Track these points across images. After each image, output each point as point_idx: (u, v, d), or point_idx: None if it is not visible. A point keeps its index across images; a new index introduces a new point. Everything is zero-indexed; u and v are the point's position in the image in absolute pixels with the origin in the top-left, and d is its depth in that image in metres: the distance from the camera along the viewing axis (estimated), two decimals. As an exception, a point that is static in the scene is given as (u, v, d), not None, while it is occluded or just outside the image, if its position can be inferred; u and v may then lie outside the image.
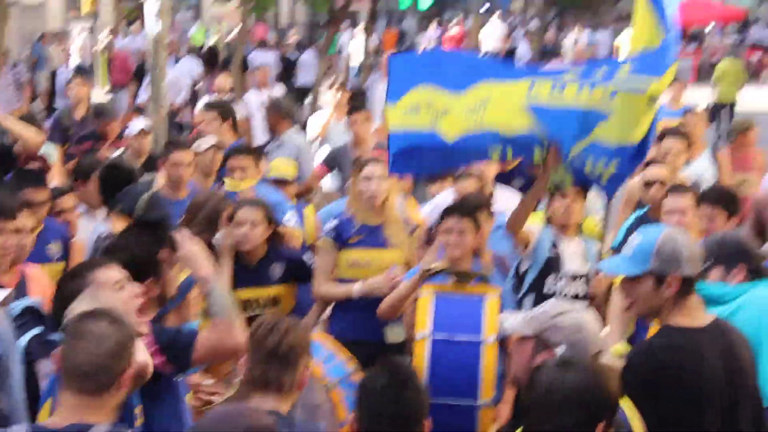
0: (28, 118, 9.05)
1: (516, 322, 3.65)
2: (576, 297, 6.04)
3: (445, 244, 5.56)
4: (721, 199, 6.09)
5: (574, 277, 6.01)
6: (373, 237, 6.04)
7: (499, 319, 4.01)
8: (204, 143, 7.50)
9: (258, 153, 7.56)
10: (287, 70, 20.06)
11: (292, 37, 25.28)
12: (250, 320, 4.58)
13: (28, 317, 4.32)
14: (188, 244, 4.15)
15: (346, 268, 6.02)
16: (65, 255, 6.23)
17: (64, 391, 3.17)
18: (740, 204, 6.19)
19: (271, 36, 27.49)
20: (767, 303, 4.53)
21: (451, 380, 5.24)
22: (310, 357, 3.83)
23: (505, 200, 6.95)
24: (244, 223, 5.73)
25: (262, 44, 21.52)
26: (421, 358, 5.25)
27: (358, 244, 6.02)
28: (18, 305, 4.46)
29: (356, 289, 5.91)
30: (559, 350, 3.43)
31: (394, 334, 5.86)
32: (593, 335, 3.49)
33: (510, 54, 26.85)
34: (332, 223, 6.11)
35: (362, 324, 5.84)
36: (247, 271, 5.79)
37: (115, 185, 6.92)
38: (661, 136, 7.80)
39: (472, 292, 5.45)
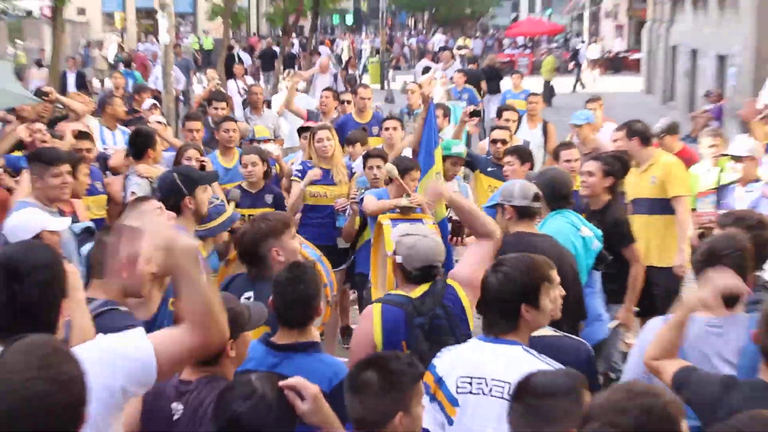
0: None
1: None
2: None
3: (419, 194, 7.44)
4: (516, 151, 8.01)
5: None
6: (326, 177, 8.36)
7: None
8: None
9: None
10: (270, 61, 30.44)
11: (267, 42, 35.38)
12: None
13: (85, 235, 5.91)
14: None
15: (309, 197, 8.36)
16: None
17: None
18: (531, 156, 8.05)
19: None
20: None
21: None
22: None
23: None
24: (248, 164, 8.00)
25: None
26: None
27: (317, 182, 8.36)
28: (79, 226, 6.04)
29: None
30: (397, 258, 4.54)
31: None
32: (422, 254, 4.49)
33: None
34: (299, 167, 8.41)
35: (322, 233, 8.26)
36: (250, 196, 8.03)
37: (138, 145, 8.07)
38: (501, 111, 10.79)
39: (415, 218, 7.18)
